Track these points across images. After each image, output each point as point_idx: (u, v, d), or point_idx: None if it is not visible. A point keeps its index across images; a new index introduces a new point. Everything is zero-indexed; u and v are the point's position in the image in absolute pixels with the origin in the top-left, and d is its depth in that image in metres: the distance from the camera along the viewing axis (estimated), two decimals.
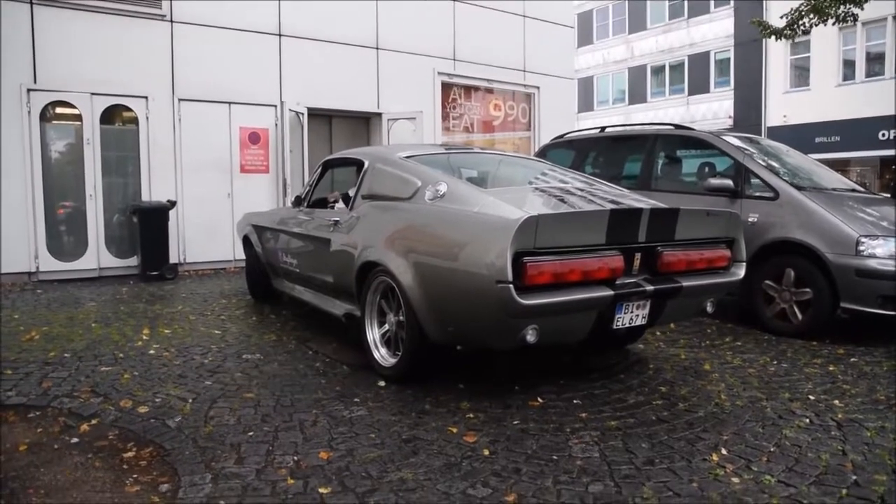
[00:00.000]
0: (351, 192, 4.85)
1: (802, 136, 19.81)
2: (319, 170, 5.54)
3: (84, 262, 8.08)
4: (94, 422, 3.21)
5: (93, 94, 8.02)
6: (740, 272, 4.02)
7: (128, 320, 5.60)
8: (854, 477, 2.68)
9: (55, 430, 3.12)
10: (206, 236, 8.88)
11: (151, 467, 2.70)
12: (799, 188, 5.42)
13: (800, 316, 5.18)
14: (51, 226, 7.95)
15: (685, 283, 3.67)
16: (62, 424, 3.18)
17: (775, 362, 4.48)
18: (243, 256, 6.94)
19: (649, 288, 3.52)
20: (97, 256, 8.16)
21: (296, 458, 2.79)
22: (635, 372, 4.20)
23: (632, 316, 3.56)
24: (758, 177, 5.59)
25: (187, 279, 8.25)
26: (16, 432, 3.10)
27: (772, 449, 2.96)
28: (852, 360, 4.57)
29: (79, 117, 8.02)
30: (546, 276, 3.16)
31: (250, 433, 3.06)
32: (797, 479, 2.64)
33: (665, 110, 25.96)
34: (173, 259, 8.39)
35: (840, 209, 5.20)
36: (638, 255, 3.58)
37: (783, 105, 21.75)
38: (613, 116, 27.79)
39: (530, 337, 3.22)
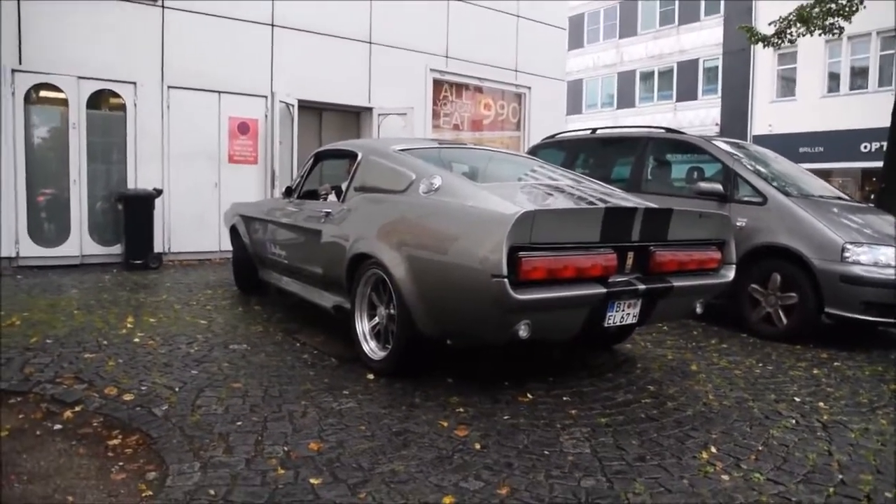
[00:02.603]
0: (343, 185, 4.81)
1: (787, 146, 20.00)
2: (311, 161, 5.49)
3: (66, 249, 7.94)
4: (77, 409, 3.15)
5: (80, 77, 7.89)
6: (730, 274, 4.04)
7: (111, 308, 5.51)
8: (840, 476, 2.71)
9: (38, 416, 3.07)
10: (192, 226, 8.78)
11: (138, 455, 2.66)
12: (787, 194, 5.47)
13: (785, 320, 5.23)
14: (32, 211, 7.80)
15: (676, 284, 3.69)
16: (45, 411, 3.13)
17: (761, 364, 4.52)
18: (229, 247, 6.87)
19: (641, 287, 3.53)
20: (80, 243, 8.02)
21: (286, 448, 2.76)
22: (623, 371, 4.21)
23: (623, 314, 3.57)
24: (747, 182, 5.64)
25: (172, 269, 8.16)
26: None
27: (760, 448, 2.98)
28: (836, 364, 4.62)
29: (65, 101, 7.88)
30: (540, 272, 3.15)
31: (238, 423, 3.03)
32: (786, 478, 2.67)
33: (653, 116, 26.10)
34: (158, 248, 8.28)
35: (826, 216, 5.26)
36: (631, 254, 3.58)
37: (769, 114, 22.00)
38: (602, 120, 27.87)
39: (523, 332, 3.21)
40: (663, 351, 4.80)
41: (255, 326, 5.07)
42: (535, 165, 4.99)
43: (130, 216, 7.85)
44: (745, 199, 5.60)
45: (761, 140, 21.08)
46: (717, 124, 23.83)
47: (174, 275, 7.66)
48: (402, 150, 4.52)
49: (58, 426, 2.95)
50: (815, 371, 4.40)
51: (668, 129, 6.92)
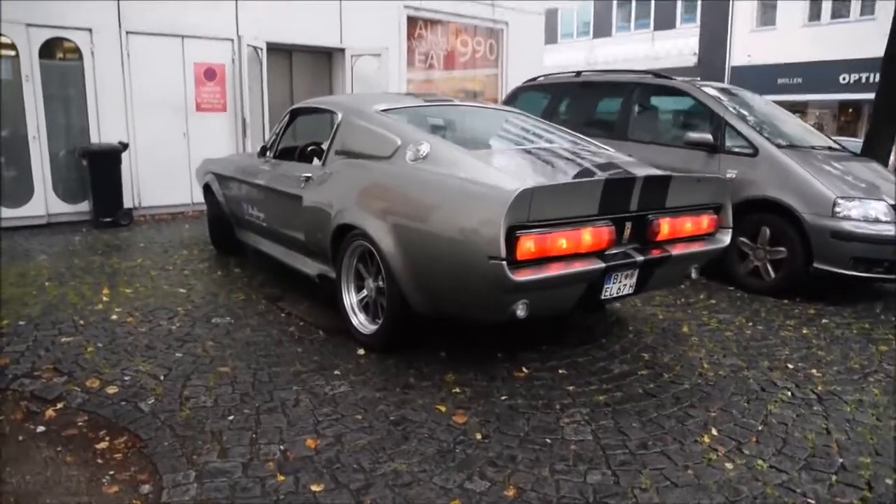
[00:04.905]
0: (324, 145, 4.58)
1: (765, 77, 19.85)
2: (286, 118, 5.22)
3: (31, 209, 7.58)
4: (59, 406, 3.01)
5: (28, 25, 7.33)
6: (726, 238, 3.96)
7: (84, 277, 5.29)
8: (841, 460, 2.71)
9: (18, 416, 2.92)
10: (161, 179, 8.43)
11: (128, 461, 2.55)
12: (779, 146, 5.36)
13: (773, 274, 5.22)
14: None
15: (674, 252, 3.60)
16: (25, 410, 2.98)
17: (751, 324, 4.52)
18: (202, 200, 6.60)
19: (639, 258, 3.44)
20: (45, 202, 7.66)
21: (282, 447, 2.67)
22: (615, 335, 4.18)
23: (619, 286, 3.49)
24: (738, 132, 5.51)
25: (143, 225, 7.88)
26: None
27: (760, 428, 2.97)
28: (823, 321, 4.65)
29: (15, 50, 7.35)
30: (538, 251, 3.04)
31: (230, 417, 2.92)
32: (788, 464, 2.66)
33: (630, 45, 25.56)
34: (127, 204, 7.95)
35: (818, 169, 5.18)
36: (628, 224, 3.47)
37: (748, 44, 21.59)
38: (577, 50, 27.28)
39: (520, 311, 3.13)
40: (653, 310, 4.77)
41: (237, 294, 4.92)
42: (526, 125, 4.76)
43: (96, 172, 7.48)
44: (736, 150, 5.48)
45: (740, 71, 20.86)
46: (695, 54, 23.39)
47: (147, 232, 7.40)
48: (384, 110, 4.29)
49: (41, 428, 2.81)
50: (805, 331, 4.41)
51: (656, 74, 6.68)
